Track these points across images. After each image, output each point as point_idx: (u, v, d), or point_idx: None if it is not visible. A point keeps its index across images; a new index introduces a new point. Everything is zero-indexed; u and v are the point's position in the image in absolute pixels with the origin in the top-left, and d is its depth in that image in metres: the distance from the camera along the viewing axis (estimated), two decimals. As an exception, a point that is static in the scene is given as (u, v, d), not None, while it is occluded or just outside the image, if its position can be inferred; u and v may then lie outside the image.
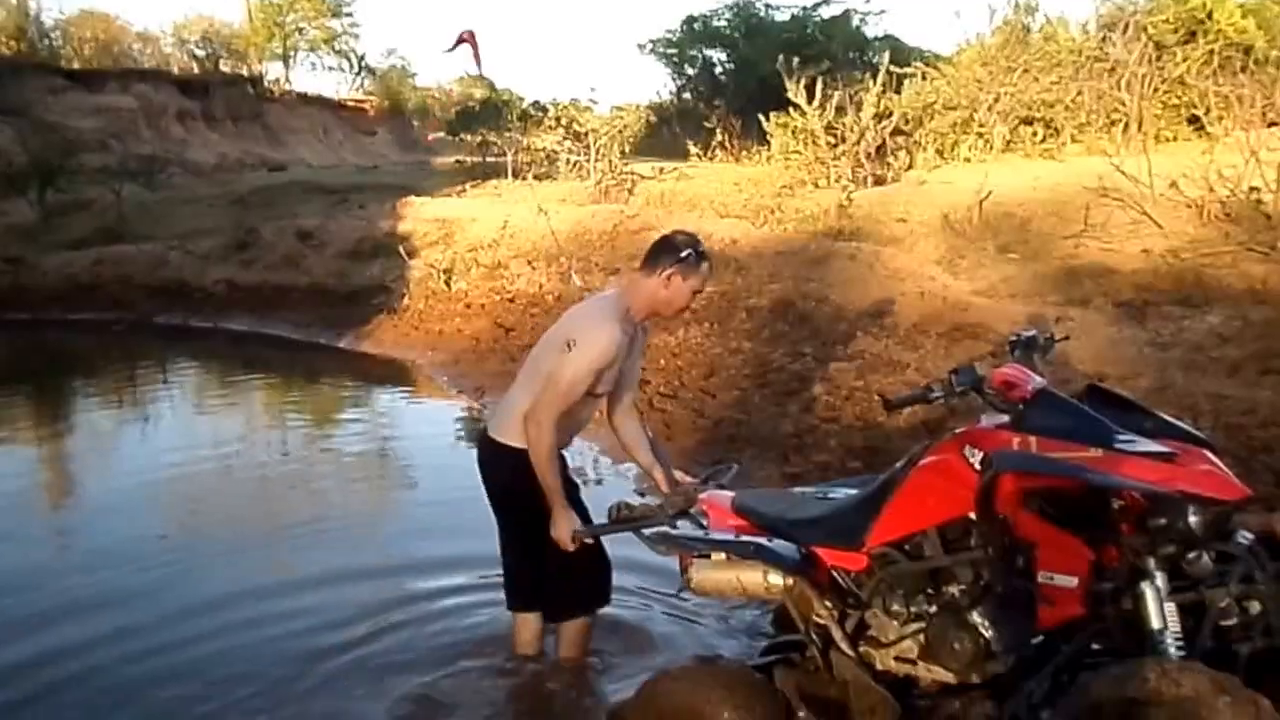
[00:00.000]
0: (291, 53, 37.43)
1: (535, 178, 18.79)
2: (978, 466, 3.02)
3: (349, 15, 39.11)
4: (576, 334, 3.73)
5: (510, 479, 3.86)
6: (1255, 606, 2.92)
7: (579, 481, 4.01)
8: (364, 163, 29.15)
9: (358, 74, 40.52)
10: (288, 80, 36.22)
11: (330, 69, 40.65)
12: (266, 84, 34.16)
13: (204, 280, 14.79)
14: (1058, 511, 3.01)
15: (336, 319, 12.90)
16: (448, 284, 12.45)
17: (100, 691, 4.16)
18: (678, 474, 4.03)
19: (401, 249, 13.90)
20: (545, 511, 3.74)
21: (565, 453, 3.96)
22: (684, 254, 3.67)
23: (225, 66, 33.70)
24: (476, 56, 24.29)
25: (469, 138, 22.83)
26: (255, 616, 4.80)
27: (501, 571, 4.14)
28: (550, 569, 3.92)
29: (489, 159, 21.37)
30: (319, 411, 10.15)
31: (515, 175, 19.12)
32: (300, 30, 37.52)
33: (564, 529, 3.70)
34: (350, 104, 37.92)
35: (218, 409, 10.26)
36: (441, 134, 28.20)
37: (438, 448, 8.19)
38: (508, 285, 12.01)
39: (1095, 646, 3.08)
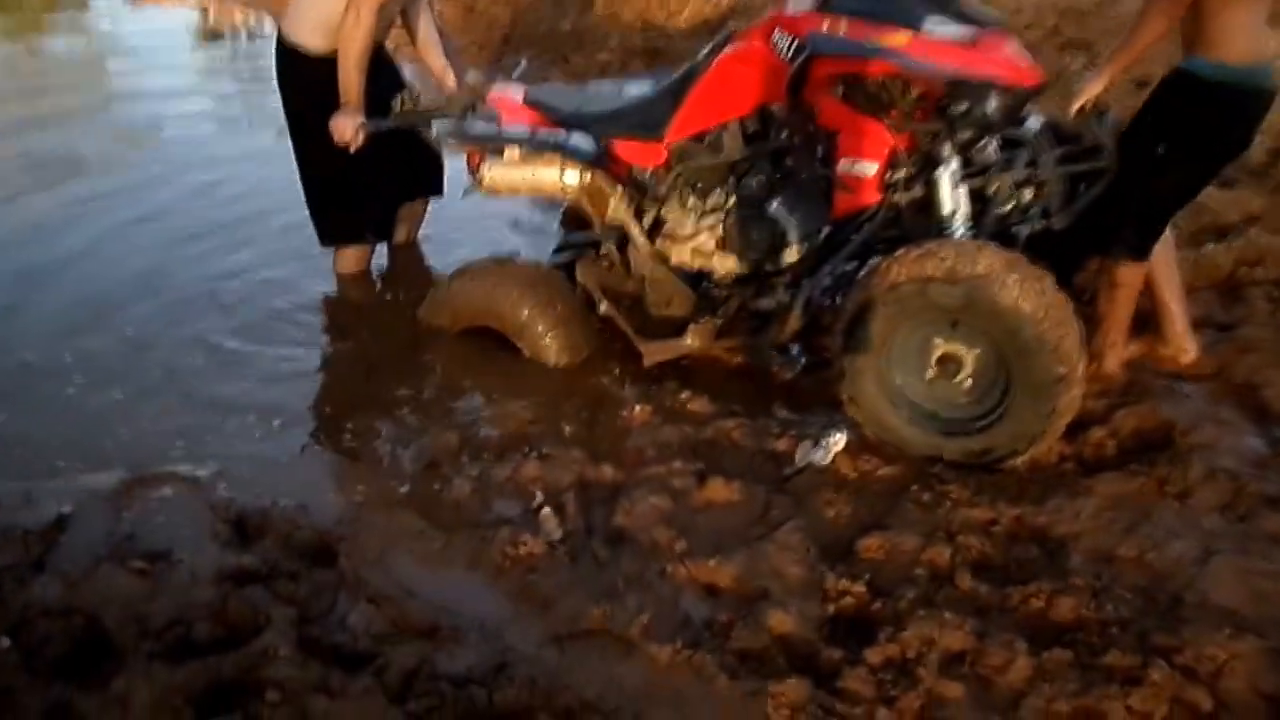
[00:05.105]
0: None
1: None
2: (787, 53, 2.93)
3: None
4: None
5: (302, 86, 3.67)
6: (1035, 191, 3.05)
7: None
8: None
9: None
10: None
11: None
12: None
13: None
14: (858, 99, 2.97)
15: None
16: None
17: None
18: (470, 73, 3.84)
19: None
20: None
21: None
22: None
23: None
24: None
25: None
26: None
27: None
28: (323, 185, 3.81)
29: None
30: (24, 25, 9.01)
31: None
32: None
33: (348, 121, 3.49)
34: None
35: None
36: None
37: (169, 60, 7.49)
38: None
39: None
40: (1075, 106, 3.03)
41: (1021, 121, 3.05)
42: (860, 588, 2.38)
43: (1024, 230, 3.04)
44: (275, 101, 3.82)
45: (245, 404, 3.23)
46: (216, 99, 6.91)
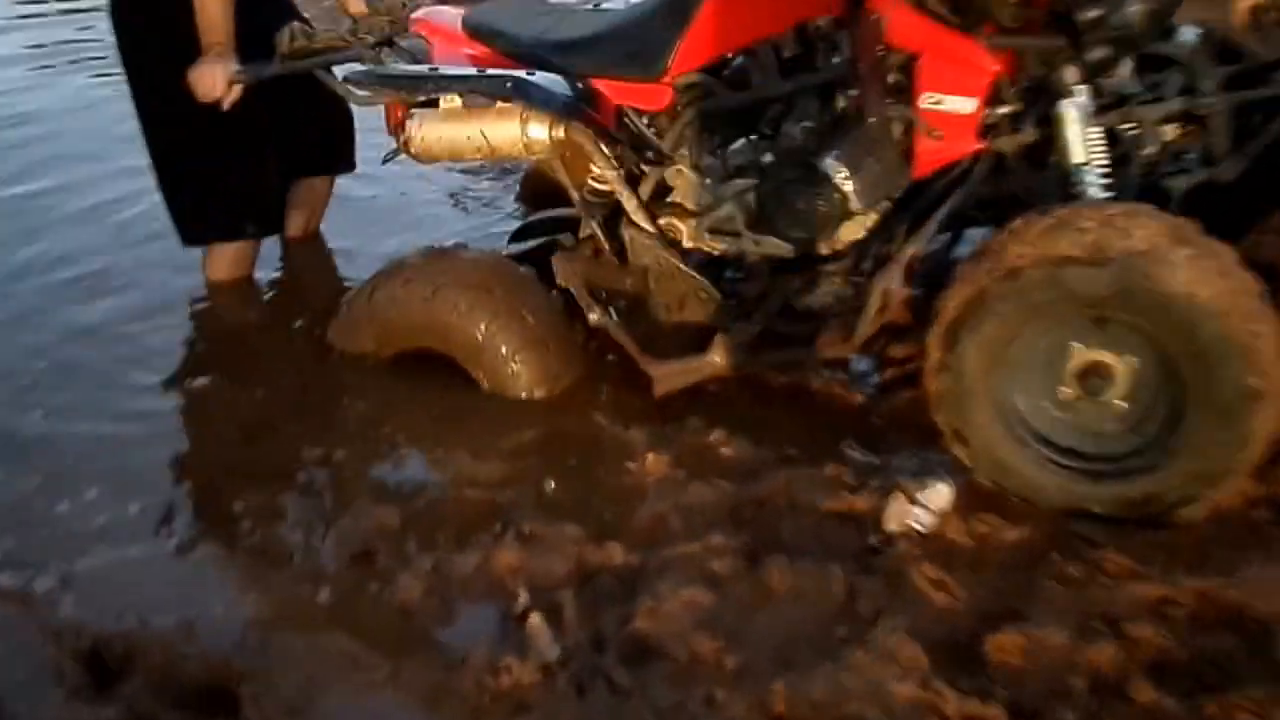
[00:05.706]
0: None
1: None
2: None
3: None
4: None
5: (145, 21, 3.64)
6: (1193, 129, 2.95)
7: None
8: None
9: None
10: None
11: None
12: None
13: None
14: (944, 6, 2.86)
15: None
16: None
17: None
18: None
19: None
20: None
21: None
22: None
23: None
24: None
25: None
26: None
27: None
28: (182, 162, 3.80)
29: None
30: None
31: None
32: None
33: (215, 69, 3.40)
34: None
35: None
36: None
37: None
38: None
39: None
40: (1242, 7, 2.94)
41: (1170, 33, 2.94)
42: (996, 709, 2.22)
43: (1180, 184, 2.93)
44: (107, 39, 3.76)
45: (86, 481, 3.07)
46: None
